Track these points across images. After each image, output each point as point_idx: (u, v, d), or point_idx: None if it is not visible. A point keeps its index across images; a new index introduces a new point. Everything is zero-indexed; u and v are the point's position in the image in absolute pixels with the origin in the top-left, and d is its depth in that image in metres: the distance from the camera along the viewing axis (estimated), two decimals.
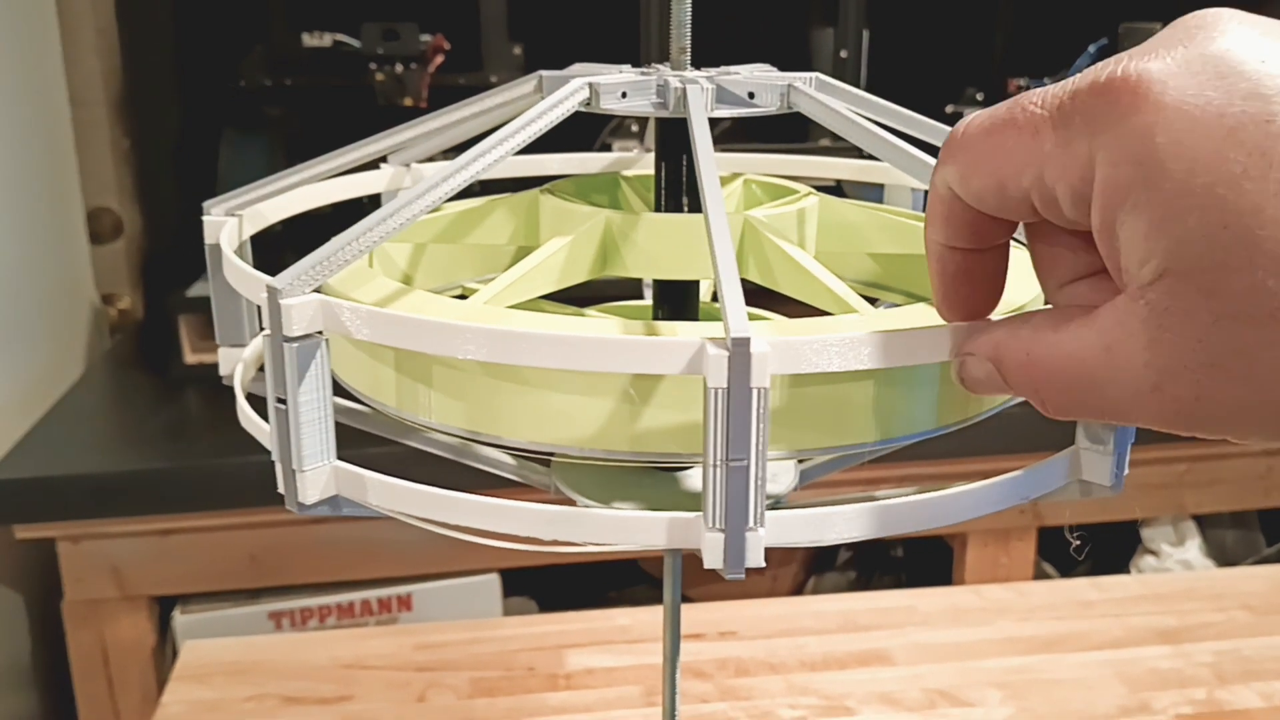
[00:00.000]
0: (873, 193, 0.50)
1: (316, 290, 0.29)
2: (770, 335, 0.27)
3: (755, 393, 0.26)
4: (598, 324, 0.29)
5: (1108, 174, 0.24)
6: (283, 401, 0.30)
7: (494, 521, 0.29)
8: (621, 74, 0.36)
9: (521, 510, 0.29)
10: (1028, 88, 1.35)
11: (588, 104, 0.35)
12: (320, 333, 0.29)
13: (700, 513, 0.28)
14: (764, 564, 0.28)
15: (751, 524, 0.27)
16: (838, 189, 0.96)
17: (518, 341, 0.27)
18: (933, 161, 0.34)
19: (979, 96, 1.33)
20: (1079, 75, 0.25)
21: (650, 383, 0.30)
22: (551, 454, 0.32)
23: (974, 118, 0.27)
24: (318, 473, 0.31)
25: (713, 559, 0.28)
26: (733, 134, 1.21)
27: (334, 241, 0.30)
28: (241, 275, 0.33)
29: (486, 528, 0.30)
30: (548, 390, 0.30)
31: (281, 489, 0.31)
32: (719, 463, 0.27)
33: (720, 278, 0.27)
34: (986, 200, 0.26)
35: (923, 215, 0.46)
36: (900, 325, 0.29)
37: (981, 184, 0.26)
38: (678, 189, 0.40)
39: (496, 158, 0.32)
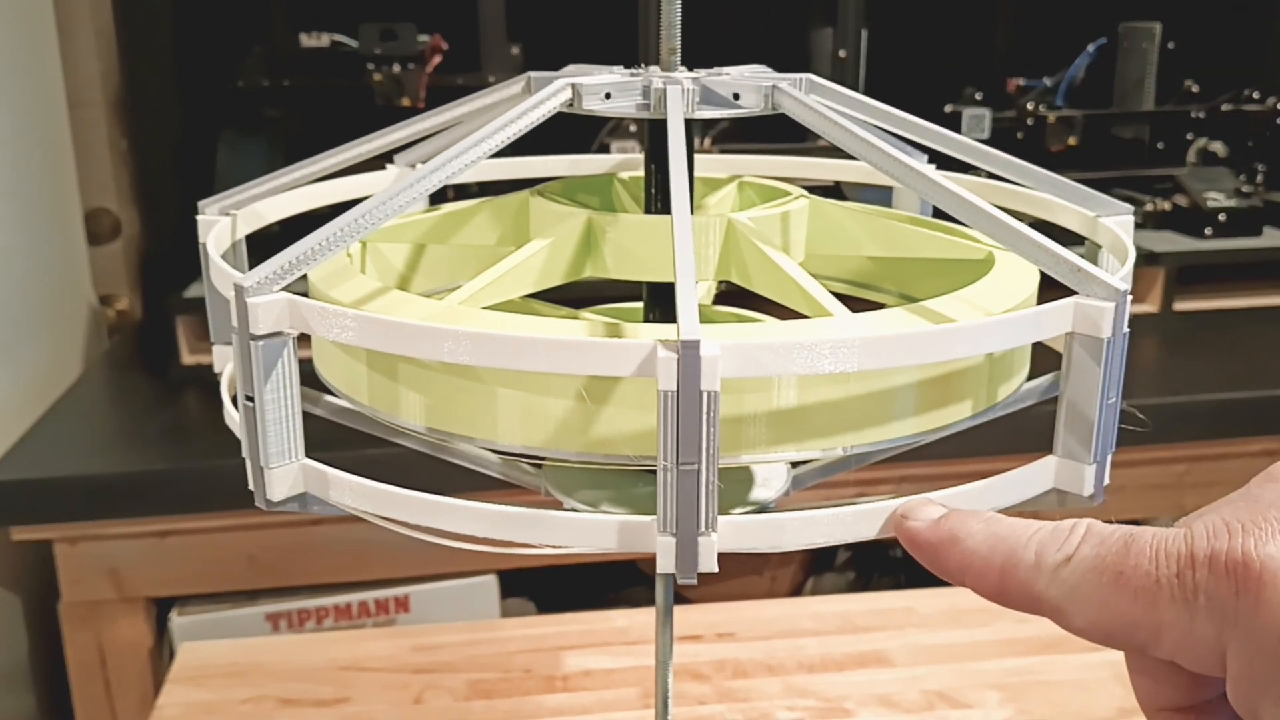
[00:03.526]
0: (870, 193, 0.50)
1: (304, 289, 0.29)
2: (723, 338, 0.26)
3: (705, 396, 0.26)
4: (555, 325, 0.29)
5: (1245, 668, 0.23)
6: (251, 399, 0.30)
7: (451, 521, 0.29)
8: (609, 75, 0.36)
9: (477, 510, 0.29)
10: (1028, 88, 1.36)
11: (570, 105, 0.35)
12: (287, 332, 0.29)
13: (654, 516, 0.28)
14: (716, 569, 0.28)
15: (703, 528, 0.27)
16: (837, 189, 0.96)
17: (469, 342, 0.27)
18: (914, 163, 0.34)
19: (978, 96, 1.33)
20: (1191, 539, 0.24)
21: (608, 385, 0.30)
22: (519, 454, 0.32)
23: (1073, 548, 0.26)
24: (285, 470, 0.31)
25: (665, 563, 0.28)
26: (732, 134, 1.20)
27: (304, 240, 0.30)
28: (218, 273, 0.33)
29: (444, 527, 0.30)
30: (506, 389, 0.30)
31: (251, 485, 0.31)
32: (670, 466, 0.26)
33: (677, 279, 0.27)
34: (1091, 637, 0.26)
35: (916, 217, 0.46)
36: (869, 330, 0.28)
37: (1085, 627, 0.26)
38: (668, 190, 0.39)
39: (473, 159, 0.32)
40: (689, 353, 0.26)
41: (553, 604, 1.17)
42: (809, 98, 0.36)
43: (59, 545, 0.98)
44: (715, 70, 0.38)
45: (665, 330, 0.28)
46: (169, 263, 1.26)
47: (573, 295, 0.44)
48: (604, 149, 1.18)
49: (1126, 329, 0.30)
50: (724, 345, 0.26)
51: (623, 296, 0.51)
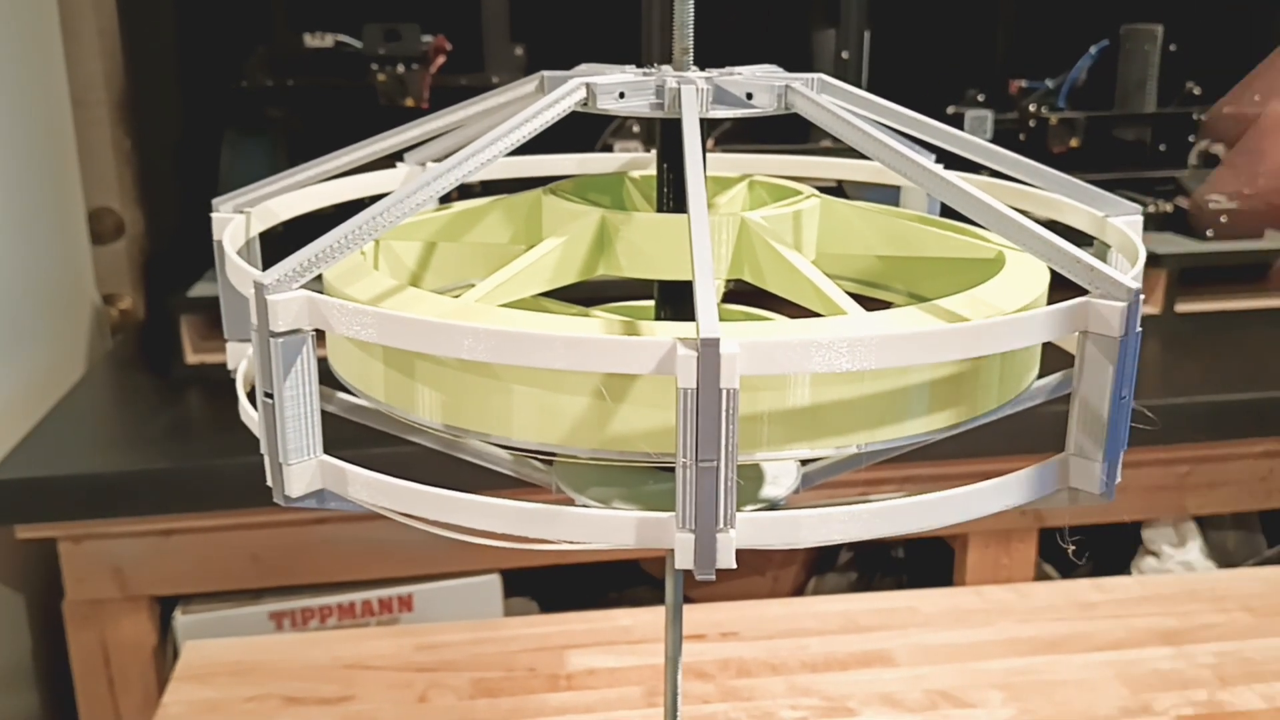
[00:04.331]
0: (875, 193, 0.50)
1: (318, 286, 0.30)
2: (741, 336, 0.27)
3: (724, 393, 0.26)
4: (574, 323, 0.29)
5: None
6: (270, 395, 0.30)
7: (470, 517, 0.30)
8: (622, 74, 0.36)
9: (496, 506, 0.30)
10: (1030, 89, 1.36)
11: (585, 104, 0.35)
12: (306, 329, 0.30)
13: (672, 513, 0.28)
14: (735, 565, 0.28)
15: (721, 525, 0.28)
16: (838, 189, 0.96)
17: (490, 339, 0.28)
18: (930, 165, 0.34)
19: (980, 97, 1.33)
20: None
21: (625, 382, 0.30)
22: (535, 451, 0.32)
23: None
24: (303, 466, 0.31)
25: (683, 559, 0.28)
26: (736, 134, 1.21)
27: (323, 239, 0.30)
28: (235, 270, 0.33)
29: (462, 524, 0.30)
30: (523, 387, 0.31)
31: (269, 481, 0.32)
32: (689, 463, 0.27)
33: (696, 278, 0.27)
34: None
35: (925, 216, 0.46)
36: (886, 328, 0.28)
37: None
38: (680, 189, 0.40)
39: (489, 157, 0.32)
40: (709, 351, 0.26)
41: (556, 603, 1.17)
42: (821, 97, 0.36)
43: (63, 544, 0.98)
44: (727, 70, 0.38)
45: (683, 328, 0.29)
46: (172, 262, 1.26)
47: (578, 294, 0.44)
48: (607, 149, 1.19)
49: (1139, 328, 0.30)
50: (742, 343, 0.26)
51: (627, 295, 0.52)
